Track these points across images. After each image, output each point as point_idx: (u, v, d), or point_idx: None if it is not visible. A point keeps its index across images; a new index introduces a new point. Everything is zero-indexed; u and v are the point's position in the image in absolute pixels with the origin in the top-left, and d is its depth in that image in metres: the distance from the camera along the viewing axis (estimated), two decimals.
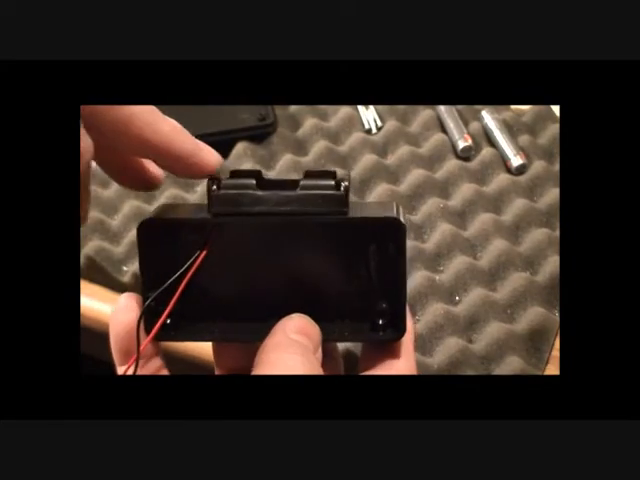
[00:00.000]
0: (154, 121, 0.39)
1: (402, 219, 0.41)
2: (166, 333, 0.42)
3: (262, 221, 0.41)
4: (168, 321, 0.42)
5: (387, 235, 0.42)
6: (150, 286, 0.41)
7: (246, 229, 0.42)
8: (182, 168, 0.42)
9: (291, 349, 0.38)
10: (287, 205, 0.40)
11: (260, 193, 0.40)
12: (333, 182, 0.40)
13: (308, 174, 0.41)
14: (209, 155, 0.42)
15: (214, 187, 0.40)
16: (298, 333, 0.39)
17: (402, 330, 0.42)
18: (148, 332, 0.41)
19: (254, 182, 0.40)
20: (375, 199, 0.69)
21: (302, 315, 0.40)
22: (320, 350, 0.40)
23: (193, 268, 0.41)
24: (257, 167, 0.73)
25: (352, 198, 0.43)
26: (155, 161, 0.42)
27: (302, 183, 0.40)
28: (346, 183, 0.40)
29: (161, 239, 0.42)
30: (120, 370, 0.40)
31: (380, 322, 0.42)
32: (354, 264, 0.42)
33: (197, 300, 0.42)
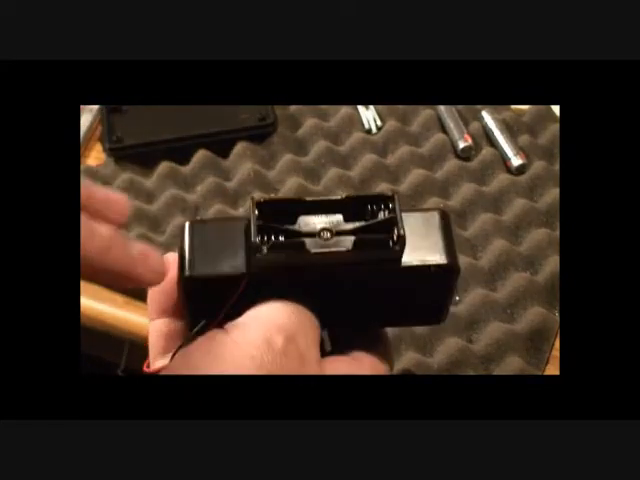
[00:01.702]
0: (85, 230, 0.35)
1: (453, 258, 0.39)
2: None
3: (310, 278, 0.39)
4: None
5: (438, 276, 0.40)
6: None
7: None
8: (118, 282, 0.37)
9: None
10: (338, 267, 0.38)
11: (310, 253, 0.37)
12: (388, 237, 0.38)
13: (350, 202, 0.39)
14: (146, 269, 0.37)
15: (258, 239, 0.37)
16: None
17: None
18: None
19: (303, 242, 0.37)
20: None
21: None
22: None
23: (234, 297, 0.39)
24: (257, 167, 0.73)
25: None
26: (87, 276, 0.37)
27: (357, 239, 0.37)
28: (401, 231, 0.37)
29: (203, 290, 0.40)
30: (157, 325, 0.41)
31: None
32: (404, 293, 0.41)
33: None
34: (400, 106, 0.76)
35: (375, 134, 0.75)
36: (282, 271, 0.38)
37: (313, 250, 0.37)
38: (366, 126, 0.75)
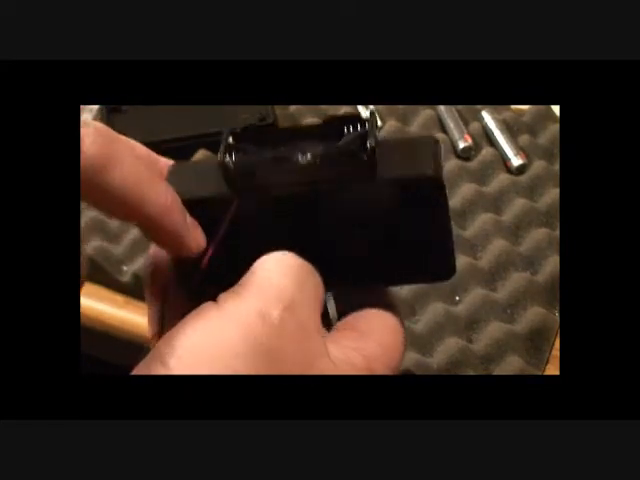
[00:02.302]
0: (149, 191, 0.37)
1: (438, 173, 0.37)
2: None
3: (283, 194, 0.38)
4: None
5: (423, 192, 0.37)
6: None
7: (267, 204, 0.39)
8: (167, 245, 0.39)
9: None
10: (309, 177, 0.37)
11: (281, 167, 0.37)
12: (358, 144, 0.36)
13: (326, 127, 0.38)
14: (193, 240, 0.39)
15: (227, 157, 0.37)
16: None
17: (452, 271, 0.40)
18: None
19: (270, 156, 0.37)
20: None
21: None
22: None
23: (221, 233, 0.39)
24: None
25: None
26: (142, 230, 0.39)
27: (325, 151, 0.37)
28: (372, 141, 0.36)
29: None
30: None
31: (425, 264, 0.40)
32: (389, 219, 0.39)
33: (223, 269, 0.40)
34: (400, 106, 0.76)
35: None
36: (255, 191, 0.38)
37: (298, 159, 0.37)
38: None
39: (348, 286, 0.41)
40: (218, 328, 0.35)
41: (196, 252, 0.39)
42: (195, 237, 0.39)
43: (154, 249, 0.42)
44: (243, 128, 0.39)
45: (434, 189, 0.37)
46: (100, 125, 0.37)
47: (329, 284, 0.39)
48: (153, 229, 0.37)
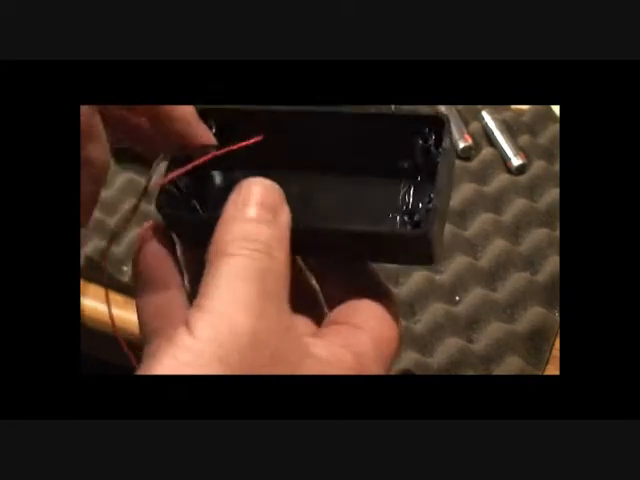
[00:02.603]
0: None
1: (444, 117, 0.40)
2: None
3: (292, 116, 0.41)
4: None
5: (429, 131, 0.40)
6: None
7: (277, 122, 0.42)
8: (177, 135, 0.41)
9: (237, 247, 0.35)
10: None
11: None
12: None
13: None
14: (201, 129, 0.42)
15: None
16: (257, 208, 0.36)
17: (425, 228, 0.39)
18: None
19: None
20: None
21: (261, 180, 0.37)
22: (285, 224, 0.37)
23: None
24: None
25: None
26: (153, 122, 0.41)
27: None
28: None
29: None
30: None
31: (406, 219, 0.40)
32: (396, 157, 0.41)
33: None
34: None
35: None
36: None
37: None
38: None
39: (329, 258, 0.41)
40: (193, 357, 0.33)
41: (200, 142, 0.41)
42: (202, 128, 0.41)
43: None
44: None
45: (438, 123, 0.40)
46: None
47: (307, 253, 0.40)
48: (167, 117, 0.40)
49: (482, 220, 0.67)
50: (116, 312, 0.65)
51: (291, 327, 0.36)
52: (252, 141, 0.41)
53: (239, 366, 0.33)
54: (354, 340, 0.38)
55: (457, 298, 0.63)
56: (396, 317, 0.40)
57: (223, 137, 0.42)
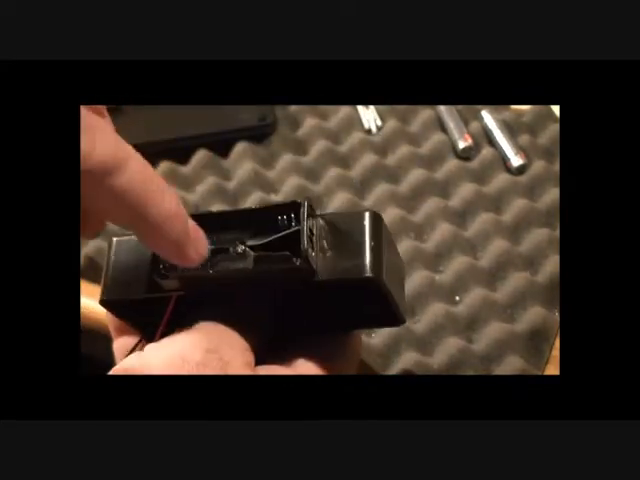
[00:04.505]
0: (150, 198, 0.35)
1: (377, 273, 0.37)
2: None
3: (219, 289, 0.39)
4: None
5: (363, 288, 0.38)
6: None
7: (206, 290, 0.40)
8: (167, 253, 0.38)
9: None
10: (245, 281, 0.37)
11: (210, 275, 0.37)
12: (288, 253, 0.36)
13: (261, 214, 0.38)
14: (194, 250, 0.37)
15: (160, 266, 0.38)
16: None
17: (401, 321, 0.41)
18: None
19: (205, 267, 0.37)
20: (374, 199, 0.69)
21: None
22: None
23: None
24: (257, 167, 0.73)
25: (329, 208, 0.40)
26: (141, 237, 0.38)
27: (256, 256, 0.36)
28: (304, 245, 0.36)
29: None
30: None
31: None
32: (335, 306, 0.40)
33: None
34: (400, 106, 0.76)
35: (375, 134, 0.75)
36: (193, 289, 0.38)
37: (213, 270, 0.37)
38: (366, 126, 0.75)
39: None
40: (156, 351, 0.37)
41: (198, 262, 0.38)
42: (197, 247, 0.37)
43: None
44: None
45: (373, 285, 0.38)
46: (109, 127, 0.36)
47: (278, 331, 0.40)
48: (156, 236, 0.36)
49: (482, 220, 0.67)
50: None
51: (244, 362, 0.38)
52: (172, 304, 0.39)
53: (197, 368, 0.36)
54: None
55: (457, 298, 0.63)
56: (329, 360, 0.41)
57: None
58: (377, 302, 0.39)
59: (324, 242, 0.38)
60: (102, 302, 0.41)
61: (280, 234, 0.37)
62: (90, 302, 0.65)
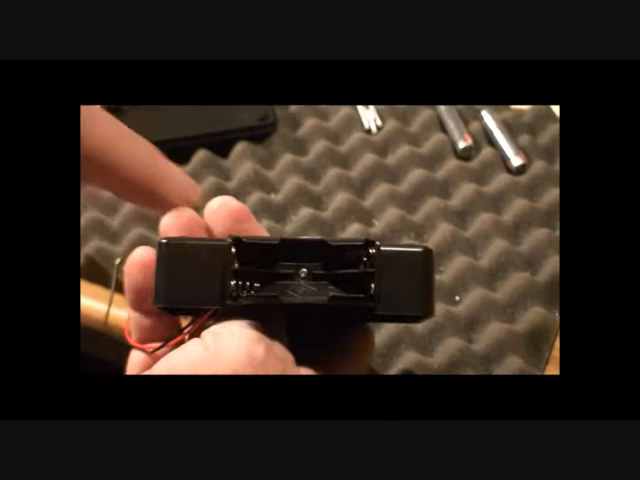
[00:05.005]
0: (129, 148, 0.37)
1: (430, 311, 0.41)
2: None
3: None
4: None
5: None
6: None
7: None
8: (150, 203, 0.39)
9: None
10: (318, 309, 0.40)
11: (284, 304, 0.39)
12: (365, 291, 0.39)
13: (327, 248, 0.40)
14: (185, 189, 0.39)
15: (233, 284, 0.39)
16: None
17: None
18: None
19: (277, 295, 0.39)
20: (374, 199, 0.69)
21: None
22: None
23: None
24: (257, 167, 0.73)
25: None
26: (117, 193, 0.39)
27: (331, 294, 0.39)
28: (376, 292, 0.39)
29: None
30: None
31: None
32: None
33: None
34: (400, 106, 0.76)
35: (375, 134, 0.75)
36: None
37: (286, 300, 0.39)
38: (366, 126, 0.75)
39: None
40: (210, 367, 0.36)
41: (180, 205, 0.40)
42: (174, 185, 0.40)
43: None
44: (246, 242, 0.40)
45: (424, 318, 0.42)
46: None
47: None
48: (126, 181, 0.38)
49: (482, 220, 0.67)
50: (116, 312, 0.66)
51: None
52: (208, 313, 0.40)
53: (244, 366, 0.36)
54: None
55: (457, 298, 0.63)
56: (369, 349, 0.45)
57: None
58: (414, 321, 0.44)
59: (382, 277, 0.40)
60: (160, 308, 0.41)
61: (353, 270, 0.40)
62: (90, 302, 0.65)
